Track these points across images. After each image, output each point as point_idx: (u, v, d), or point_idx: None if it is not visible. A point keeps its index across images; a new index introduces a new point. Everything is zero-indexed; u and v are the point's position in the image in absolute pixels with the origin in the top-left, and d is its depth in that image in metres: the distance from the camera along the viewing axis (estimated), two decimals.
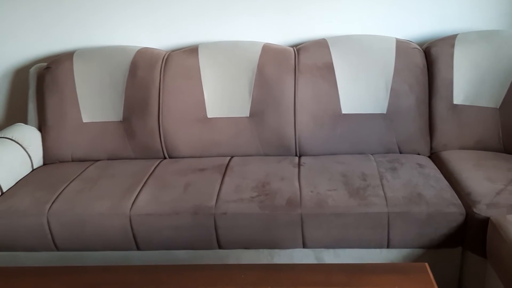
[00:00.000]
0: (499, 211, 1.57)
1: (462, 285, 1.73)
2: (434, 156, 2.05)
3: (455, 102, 2.04)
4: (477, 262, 1.65)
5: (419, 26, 2.27)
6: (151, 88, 2.12)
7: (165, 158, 2.15)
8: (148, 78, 2.12)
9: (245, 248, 1.74)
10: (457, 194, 1.70)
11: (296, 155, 2.10)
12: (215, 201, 1.72)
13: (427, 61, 2.11)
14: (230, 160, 2.06)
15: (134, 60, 2.16)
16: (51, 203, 1.76)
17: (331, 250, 1.72)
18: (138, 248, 1.75)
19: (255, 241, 1.72)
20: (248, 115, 2.09)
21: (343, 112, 2.06)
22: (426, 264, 1.25)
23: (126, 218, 1.70)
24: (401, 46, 2.10)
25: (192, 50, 2.18)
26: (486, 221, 1.57)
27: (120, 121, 2.14)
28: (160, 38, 2.33)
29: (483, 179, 1.75)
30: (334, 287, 1.19)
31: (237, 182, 1.83)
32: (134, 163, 2.09)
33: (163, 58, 2.17)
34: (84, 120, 2.16)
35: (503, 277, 1.46)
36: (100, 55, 2.21)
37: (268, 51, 2.13)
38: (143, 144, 2.13)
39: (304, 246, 1.71)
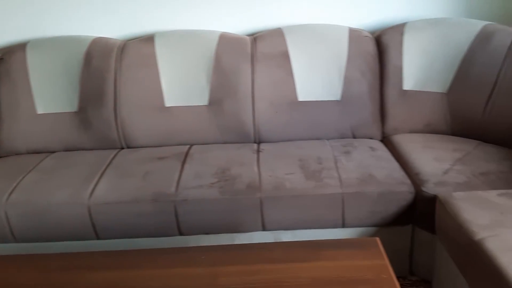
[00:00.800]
0: (446, 189, 1.67)
1: (413, 259, 1.82)
2: (386, 140, 2.13)
3: (405, 88, 2.13)
4: (426, 238, 1.74)
5: (370, 15, 2.34)
6: (106, 77, 2.10)
7: (123, 148, 2.14)
8: (103, 68, 2.11)
9: (206, 234, 1.77)
10: (406, 174, 1.79)
11: (255, 142, 2.14)
12: (175, 188, 1.74)
13: (379, 49, 2.19)
14: (189, 148, 2.07)
15: (88, 49, 2.14)
16: (8, 194, 1.74)
17: (289, 232, 1.77)
18: (98, 237, 1.75)
19: (216, 226, 1.75)
20: (206, 104, 2.11)
21: (299, 99, 2.12)
22: (377, 238, 1.32)
23: (85, 208, 1.70)
24: (354, 35, 2.17)
25: (148, 39, 2.17)
26: (434, 199, 1.66)
27: (76, 111, 2.12)
28: (115, 27, 2.31)
29: (431, 159, 1.85)
30: (291, 263, 1.24)
31: (197, 169, 1.86)
32: (91, 153, 2.07)
33: (118, 47, 2.16)
34: (39, 112, 2.12)
35: (451, 251, 1.55)
36: (54, 45, 2.18)
37: (225, 40, 2.16)
38: (99, 134, 2.11)
39: (264, 228, 1.76)
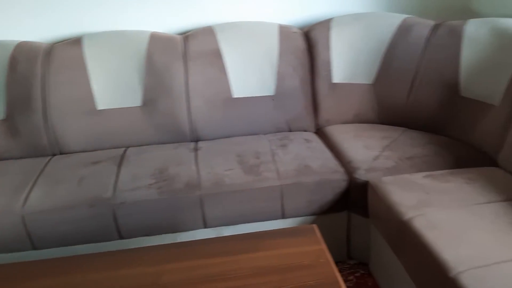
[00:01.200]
0: (376, 174, 1.76)
1: (350, 244, 1.91)
2: (320, 131, 2.21)
3: (334, 81, 2.22)
4: (361, 222, 1.83)
5: (299, 12, 2.41)
6: (33, 82, 2.02)
7: (55, 154, 2.07)
8: (29, 73, 2.03)
9: (147, 235, 1.75)
10: (340, 163, 1.87)
11: (192, 140, 2.14)
12: (112, 191, 1.71)
13: (308, 44, 2.26)
14: (125, 150, 2.04)
15: (13, 54, 2.05)
16: None
17: (231, 227, 1.80)
18: (34, 248, 1.69)
19: (157, 227, 1.74)
20: (140, 104, 2.09)
21: (234, 96, 2.14)
22: (315, 225, 1.37)
23: (18, 217, 1.63)
24: (284, 31, 2.23)
25: (76, 41, 2.11)
26: (365, 184, 1.75)
27: (3, 119, 2.02)
28: (41, 30, 2.22)
29: (362, 147, 1.94)
30: (233, 256, 1.27)
31: (134, 171, 1.84)
32: (22, 162, 1.99)
33: (44, 51, 2.08)
34: None
35: (383, 232, 1.64)
36: None
37: (156, 39, 2.14)
38: (29, 142, 2.03)
39: (206, 226, 1.77)
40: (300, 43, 2.23)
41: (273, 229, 1.38)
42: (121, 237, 1.73)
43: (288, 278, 1.19)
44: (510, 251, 1.25)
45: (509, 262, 1.21)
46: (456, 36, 2.02)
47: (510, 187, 1.58)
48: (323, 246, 1.29)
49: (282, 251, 1.28)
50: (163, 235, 1.77)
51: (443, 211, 1.45)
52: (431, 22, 2.15)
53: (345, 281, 1.81)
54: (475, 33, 1.97)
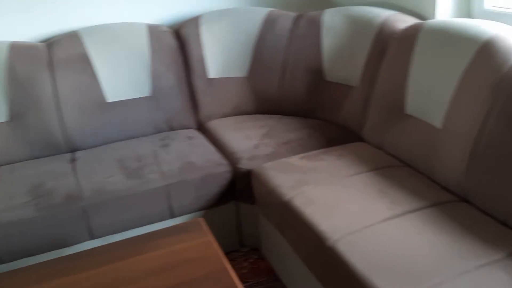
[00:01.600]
0: (257, 162, 1.84)
1: (241, 232, 1.97)
2: (202, 128, 2.24)
3: (209, 76, 2.26)
4: (249, 210, 1.90)
5: (167, 10, 2.41)
6: None
7: None
8: None
9: (31, 256, 1.65)
10: (223, 156, 1.92)
11: (69, 151, 2.05)
12: None
13: (179, 42, 2.27)
14: None
15: None
16: None
17: (120, 234, 1.76)
18: None
19: (40, 245, 1.64)
20: (6, 120, 1.95)
21: (108, 100, 2.09)
22: (200, 219, 1.40)
23: None
24: (153, 30, 2.22)
25: None
26: (249, 173, 1.82)
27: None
28: None
29: (243, 138, 2.01)
30: (121, 261, 1.25)
31: (6, 190, 1.71)
32: None
33: None
34: None
35: (269, 216, 1.72)
36: None
37: (16, 49, 2.00)
38: None
39: (93, 237, 1.72)
40: (171, 41, 2.24)
41: (160, 229, 1.39)
42: (1, 261, 1.61)
43: (179, 274, 1.21)
44: (376, 215, 1.39)
45: (376, 224, 1.35)
46: (315, 25, 2.17)
47: (374, 158, 1.75)
48: (210, 237, 1.33)
49: (171, 249, 1.30)
50: (49, 253, 1.68)
51: (319, 187, 1.57)
52: (293, 14, 2.29)
53: (240, 268, 1.87)
54: (331, 21, 2.13)
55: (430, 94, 1.63)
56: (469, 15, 1.93)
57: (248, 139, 2.00)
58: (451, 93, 1.54)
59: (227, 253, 1.95)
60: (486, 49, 1.46)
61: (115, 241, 1.34)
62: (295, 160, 1.78)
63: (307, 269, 1.49)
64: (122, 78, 2.11)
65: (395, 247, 1.25)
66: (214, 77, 2.27)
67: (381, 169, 1.66)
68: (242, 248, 1.99)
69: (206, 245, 1.29)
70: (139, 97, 2.14)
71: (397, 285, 1.12)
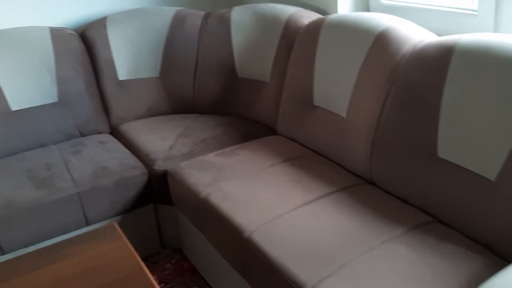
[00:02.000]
0: (173, 162, 1.82)
1: (162, 234, 1.95)
2: (115, 131, 2.19)
3: (120, 78, 2.21)
4: (168, 211, 1.88)
5: (71, 12, 2.32)
6: None
7: None
8: None
9: None
10: (138, 159, 1.89)
11: None
12: None
13: (86, 44, 2.20)
14: None
15: None
16: None
17: (33, 247, 1.67)
18: None
19: None
20: None
21: (13, 108, 1.98)
22: (114, 223, 1.37)
23: None
24: (57, 34, 2.12)
25: None
26: (165, 173, 1.80)
27: None
28: None
29: (158, 139, 1.99)
30: (30, 273, 1.19)
31: None
32: None
33: None
34: None
35: (188, 215, 1.72)
36: None
37: None
38: None
39: (3, 252, 1.62)
40: (77, 44, 2.16)
41: (73, 237, 1.34)
42: None
43: (95, 280, 1.18)
44: (290, 204, 1.44)
45: (290, 212, 1.40)
46: (225, 23, 2.19)
47: (287, 149, 1.81)
48: (125, 241, 1.30)
49: (85, 255, 1.26)
50: None
51: (235, 182, 1.59)
52: (202, 13, 2.29)
53: (162, 269, 1.85)
54: (239, 19, 2.16)
55: (334, 85, 1.71)
56: (367, 9, 2.05)
57: (163, 140, 1.98)
58: (352, 83, 1.63)
59: (149, 256, 1.92)
60: (381, 41, 1.56)
61: (23, 254, 1.28)
62: (211, 157, 1.79)
63: (228, 264, 1.51)
64: (26, 85, 2.00)
65: (308, 232, 1.30)
66: (125, 79, 2.22)
67: (294, 160, 1.72)
68: (164, 250, 1.97)
69: (121, 249, 1.26)
70: (46, 104, 2.04)
71: (310, 269, 1.17)
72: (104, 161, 1.84)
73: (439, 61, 1.35)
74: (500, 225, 1.18)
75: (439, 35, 1.52)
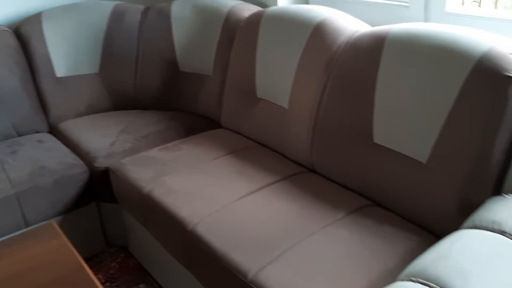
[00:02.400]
0: (115, 159, 1.79)
1: (107, 232, 1.91)
2: (54, 130, 2.11)
3: (58, 75, 2.14)
4: (112, 209, 1.85)
5: (5, 8, 2.22)
6: None
7: None
8: None
9: None
10: (78, 157, 1.84)
11: None
12: None
13: (20, 41, 2.11)
14: None
15: None
16: None
17: None
18: None
19: None
20: None
21: None
22: (53, 222, 1.33)
23: None
24: None
25: None
26: (107, 171, 1.76)
27: None
28: None
29: (99, 137, 1.94)
30: None
31: None
32: None
33: None
34: None
35: (132, 212, 1.69)
36: None
37: None
38: None
39: None
40: (11, 41, 2.07)
41: (9, 237, 1.29)
42: None
43: (34, 280, 1.14)
44: (234, 194, 1.45)
45: (234, 203, 1.41)
46: (165, 17, 2.16)
47: (231, 142, 1.82)
48: (64, 239, 1.27)
49: (23, 255, 1.22)
50: None
51: (178, 176, 1.58)
52: (141, 7, 2.25)
53: (108, 268, 1.81)
54: (180, 12, 2.14)
55: (276, 77, 1.73)
56: (306, 1, 2.08)
57: (104, 136, 1.94)
58: (292, 75, 1.65)
59: (94, 256, 1.88)
60: (318, 32, 1.59)
61: None
62: (154, 152, 1.77)
63: (174, 259, 1.50)
64: None
65: (251, 221, 1.32)
66: (63, 75, 2.15)
67: (238, 152, 1.73)
68: (109, 249, 1.93)
69: (59, 248, 1.23)
70: None
71: (252, 256, 1.18)
72: (42, 160, 1.78)
73: (372, 50, 1.40)
74: (432, 205, 1.24)
75: (373, 26, 1.58)
